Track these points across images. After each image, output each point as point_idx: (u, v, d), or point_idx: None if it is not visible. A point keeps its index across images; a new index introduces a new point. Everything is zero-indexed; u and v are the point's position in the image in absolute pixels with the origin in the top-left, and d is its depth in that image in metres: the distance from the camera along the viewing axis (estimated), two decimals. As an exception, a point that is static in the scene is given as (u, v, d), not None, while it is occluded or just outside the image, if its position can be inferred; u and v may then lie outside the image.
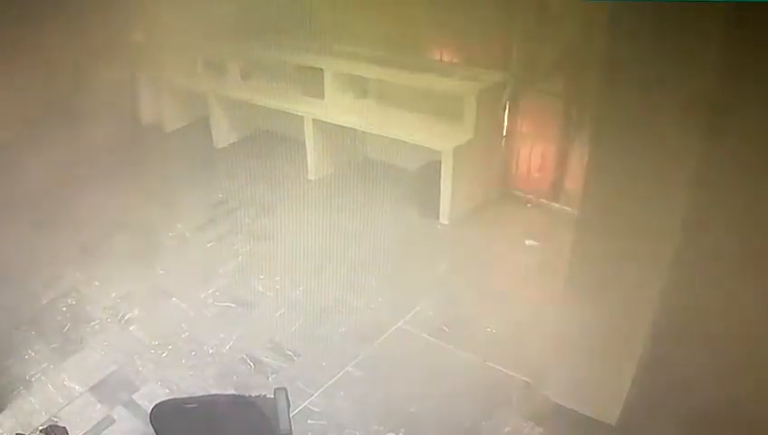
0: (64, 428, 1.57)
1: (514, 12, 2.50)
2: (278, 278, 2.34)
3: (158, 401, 1.34)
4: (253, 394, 1.41)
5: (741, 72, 1.38)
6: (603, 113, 1.57)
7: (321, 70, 2.83)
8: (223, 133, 3.26)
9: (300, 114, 2.86)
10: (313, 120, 2.83)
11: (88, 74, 2.59)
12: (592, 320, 1.64)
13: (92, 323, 2.15)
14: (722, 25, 1.32)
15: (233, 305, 2.24)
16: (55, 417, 1.82)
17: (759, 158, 1.49)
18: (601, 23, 1.57)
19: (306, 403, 1.84)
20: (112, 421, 1.81)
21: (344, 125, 2.79)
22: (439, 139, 2.58)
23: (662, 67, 1.40)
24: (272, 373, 1.96)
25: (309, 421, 1.79)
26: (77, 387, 1.92)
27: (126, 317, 2.18)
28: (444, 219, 2.64)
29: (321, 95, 2.85)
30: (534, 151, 2.69)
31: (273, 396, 1.36)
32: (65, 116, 2.57)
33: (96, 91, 2.60)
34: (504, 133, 2.68)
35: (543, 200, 2.71)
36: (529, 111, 2.63)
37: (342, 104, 2.84)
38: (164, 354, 2.04)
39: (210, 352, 2.04)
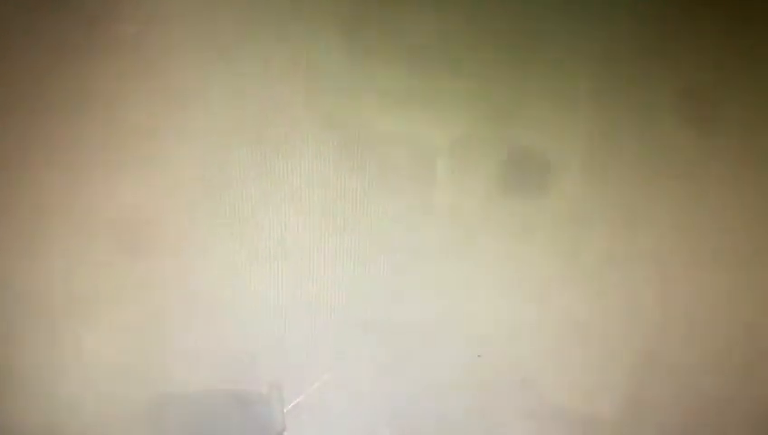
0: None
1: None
2: (272, 271, 2.32)
3: (150, 397, 1.33)
4: (247, 390, 1.40)
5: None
6: (600, 105, 1.57)
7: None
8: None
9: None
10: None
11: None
12: (589, 315, 1.64)
13: (84, 318, 2.13)
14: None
15: (227, 298, 2.22)
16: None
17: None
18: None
19: (301, 398, 1.83)
20: (105, 417, 1.79)
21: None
22: (436, 132, 2.56)
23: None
24: (266, 368, 1.94)
25: (303, 416, 1.78)
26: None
27: (118, 311, 2.16)
28: (439, 212, 2.62)
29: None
30: (531, 147, 2.68)
31: (267, 391, 1.35)
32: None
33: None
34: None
35: (538, 195, 2.70)
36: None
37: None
38: (157, 349, 2.02)
39: (204, 346, 2.03)
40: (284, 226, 2.57)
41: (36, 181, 2.42)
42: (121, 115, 2.45)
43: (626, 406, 1.68)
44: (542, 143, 2.67)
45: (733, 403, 1.53)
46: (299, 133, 3.01)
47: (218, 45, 2.61)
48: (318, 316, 2.18)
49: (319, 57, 2.86)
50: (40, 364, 1.95)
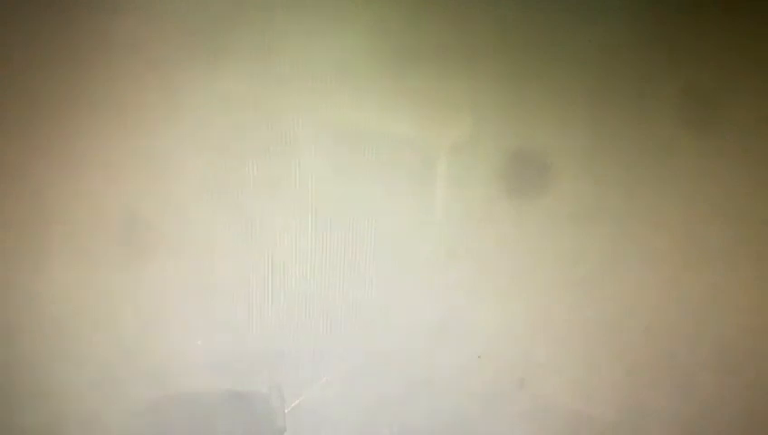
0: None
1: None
2: (272, 272, 2.32)
3: (150, 397, 1.33)
4: (247, 390, 1.40)
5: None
6: (600, 105, 1.57)
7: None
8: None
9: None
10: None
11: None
12: (589, 315, 1.64)
13: (84, 318, 2.13)
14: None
15: (227, 298, 2.22)
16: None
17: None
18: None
19: (302, 399, 1.83)
20: (105, 417, 1.79)
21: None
22: (437, 132, 2.56)
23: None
24: (267, 368, 1.94)
25: (303, 417, 1.78)
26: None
27: (118, 311, 2.16)
28: (439, 214, 2.62)
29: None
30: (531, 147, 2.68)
31: (267, 392, 1.35)
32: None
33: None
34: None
35: (538, 195, 2.70)
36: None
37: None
38: (157, 349, 2.02)
39: (204, 346, 2.03)
40: (285, 227, 2.57)
41: (36, 182, 2.42)
42: (122, 114, 2.44)
43: (626, 406, 1.68)
44: (542, 143, 2.67)
45: (732, 403, 1.54)
46: (300, 133, 3.01)
47: (218, 44, 2.62)
48: (318, 317, 2.18)
49: (320, 56, 2.87)
50: (40, 364, 1.95)
